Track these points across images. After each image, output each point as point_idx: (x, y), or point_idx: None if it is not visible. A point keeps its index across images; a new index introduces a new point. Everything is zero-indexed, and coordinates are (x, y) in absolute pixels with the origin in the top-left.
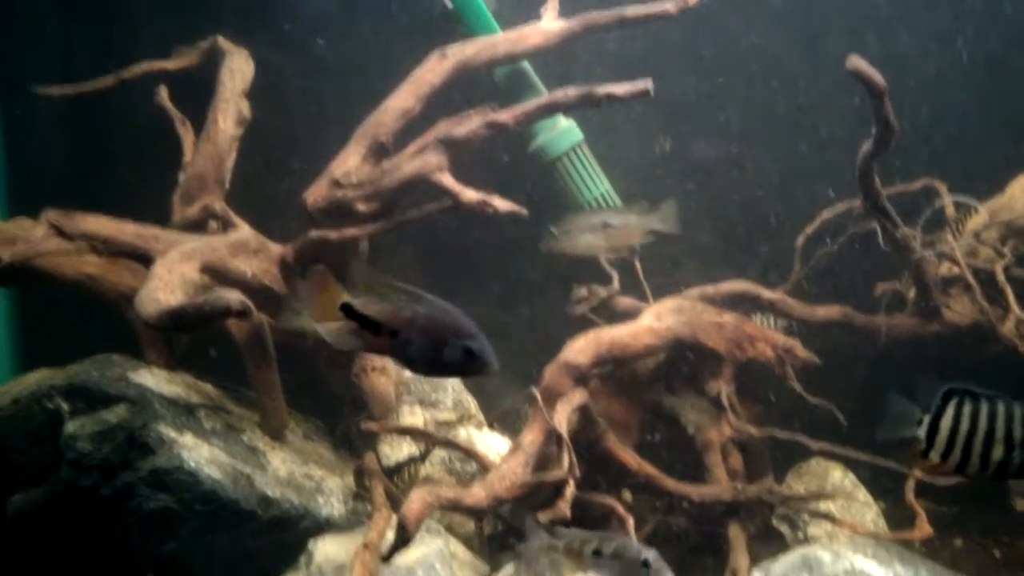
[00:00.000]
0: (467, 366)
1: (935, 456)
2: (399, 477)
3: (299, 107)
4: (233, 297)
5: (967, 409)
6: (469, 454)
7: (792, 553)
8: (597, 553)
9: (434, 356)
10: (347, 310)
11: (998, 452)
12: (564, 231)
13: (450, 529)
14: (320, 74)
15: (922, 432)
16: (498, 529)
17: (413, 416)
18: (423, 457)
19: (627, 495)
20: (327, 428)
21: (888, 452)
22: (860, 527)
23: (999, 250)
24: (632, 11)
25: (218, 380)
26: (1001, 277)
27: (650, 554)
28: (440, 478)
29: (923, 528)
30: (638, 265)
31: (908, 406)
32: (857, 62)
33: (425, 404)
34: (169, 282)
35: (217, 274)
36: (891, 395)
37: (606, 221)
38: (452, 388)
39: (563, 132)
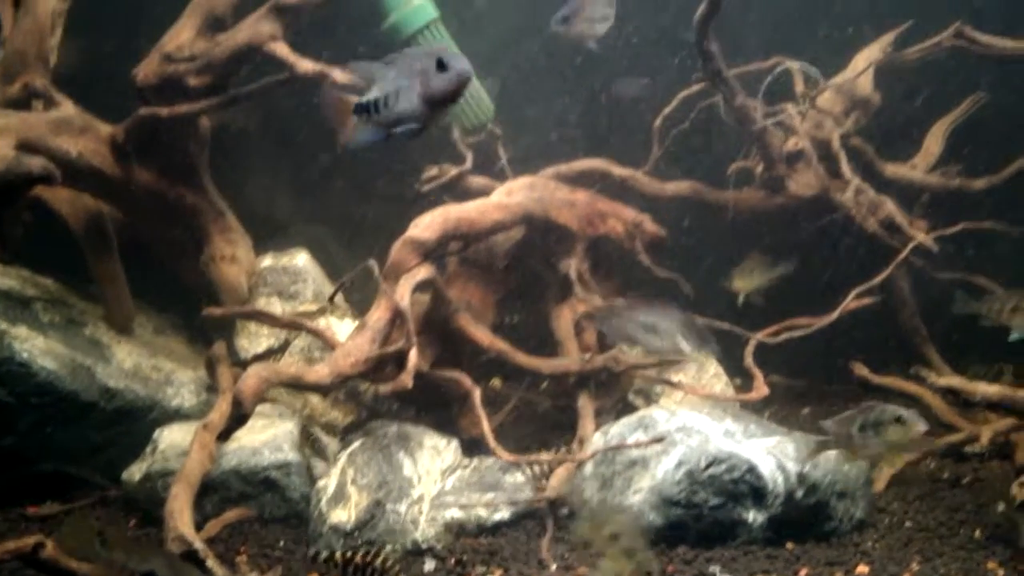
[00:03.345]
0: (448, 82)
1: None
2: None
3: None
4: (35, 162)
5: None
6: (316, 334)
7: (632, 415)
8: None
9: (424, 92)
10: (357, 107)
11: None
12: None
13: (311, 418)
14: None
15: None
16: (361, 416)
17: (271, 308)
18: (282, 349)
19: (497, 382)
20: (184, 323)
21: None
22: (700, 389)
23: (839, 119)
24: None
25: (64, 276)
26: (836, 144)
27: None
28: None
29: (760, 389)
30: (501, 150)
31: None
32: None
33: (284, 296)
34: None
35: (37, 152)
36: None
37: None
38: (312, 279)
39: (416, 9)
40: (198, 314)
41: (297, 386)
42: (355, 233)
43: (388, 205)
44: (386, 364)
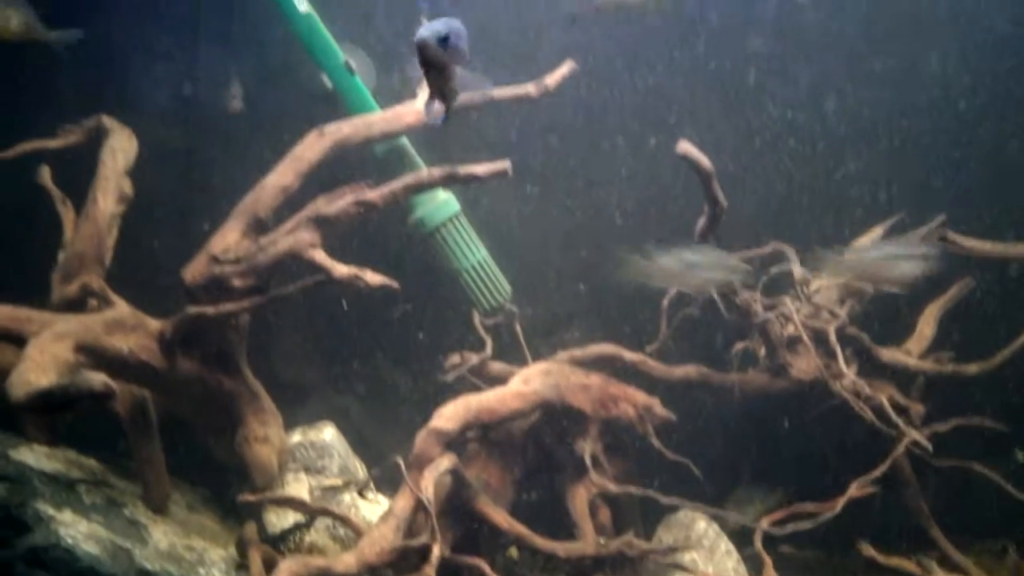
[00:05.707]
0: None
1: None
2: (285, 545)
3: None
4: (97, 379)
5: None
6: (343, 521)
7: None
8: None
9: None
10: None
11: None
12: None
13: None
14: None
15: None
16: None
17: (298, 483)
18: (308, 524)
19: (513, 552)
20: (214, 497)
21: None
22: (712, 575)
23: (833, 312)
24: (499, 93)
25: (103, 453)
26: (832, 338)
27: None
28: (324, 544)
29: (769, 574)
30: (519, 329)
31: None
32: (685, 147)
33: (311, 471)
34: (41, 363)
35: (93, 353)
36: None
37: None
38: (338, 454)
39: (440, 205)
40: (229, 489)
41: None
42: (382, 403)
43: (416, 378)
44: (410, 555)
